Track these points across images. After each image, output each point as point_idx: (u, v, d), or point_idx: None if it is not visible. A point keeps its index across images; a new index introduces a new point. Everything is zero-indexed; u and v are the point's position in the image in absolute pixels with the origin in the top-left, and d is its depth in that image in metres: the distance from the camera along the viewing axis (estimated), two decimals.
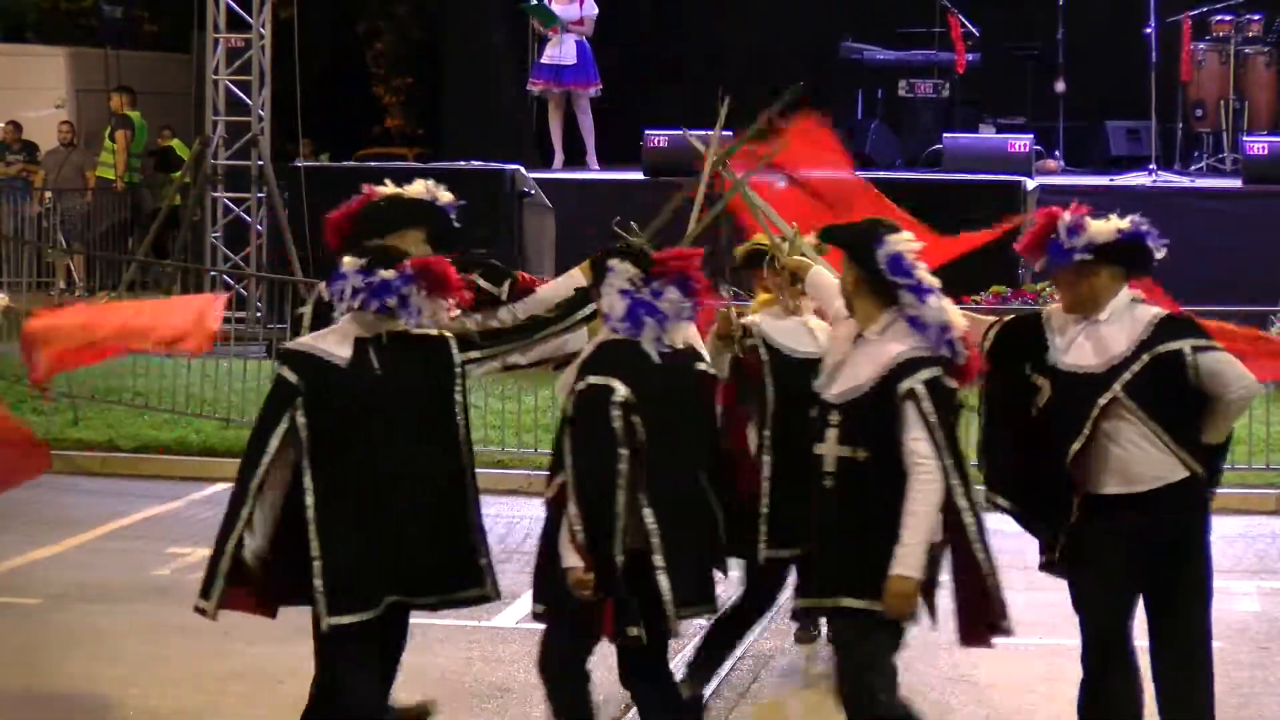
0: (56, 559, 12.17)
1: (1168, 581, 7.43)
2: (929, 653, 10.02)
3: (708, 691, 8.98)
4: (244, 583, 7.34)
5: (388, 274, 7.19)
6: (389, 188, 8.02)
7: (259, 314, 19.49)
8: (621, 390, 7.11)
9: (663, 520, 7.16)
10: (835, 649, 7.37)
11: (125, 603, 11.01)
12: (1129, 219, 7.57)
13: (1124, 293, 7.48)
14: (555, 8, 20.23)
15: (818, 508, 7.17)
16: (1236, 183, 19.19)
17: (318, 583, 7.15)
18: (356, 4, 29.39)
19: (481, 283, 7.77)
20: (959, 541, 7.07)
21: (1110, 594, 7.43)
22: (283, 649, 9.30)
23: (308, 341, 7.41)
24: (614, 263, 7.31)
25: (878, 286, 7.12)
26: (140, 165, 24.53)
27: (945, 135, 20.35)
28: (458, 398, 7.31)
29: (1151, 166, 19.67)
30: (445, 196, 8.06)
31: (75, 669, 9.68)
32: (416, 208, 7.97)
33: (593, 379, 7.18)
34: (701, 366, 7.45)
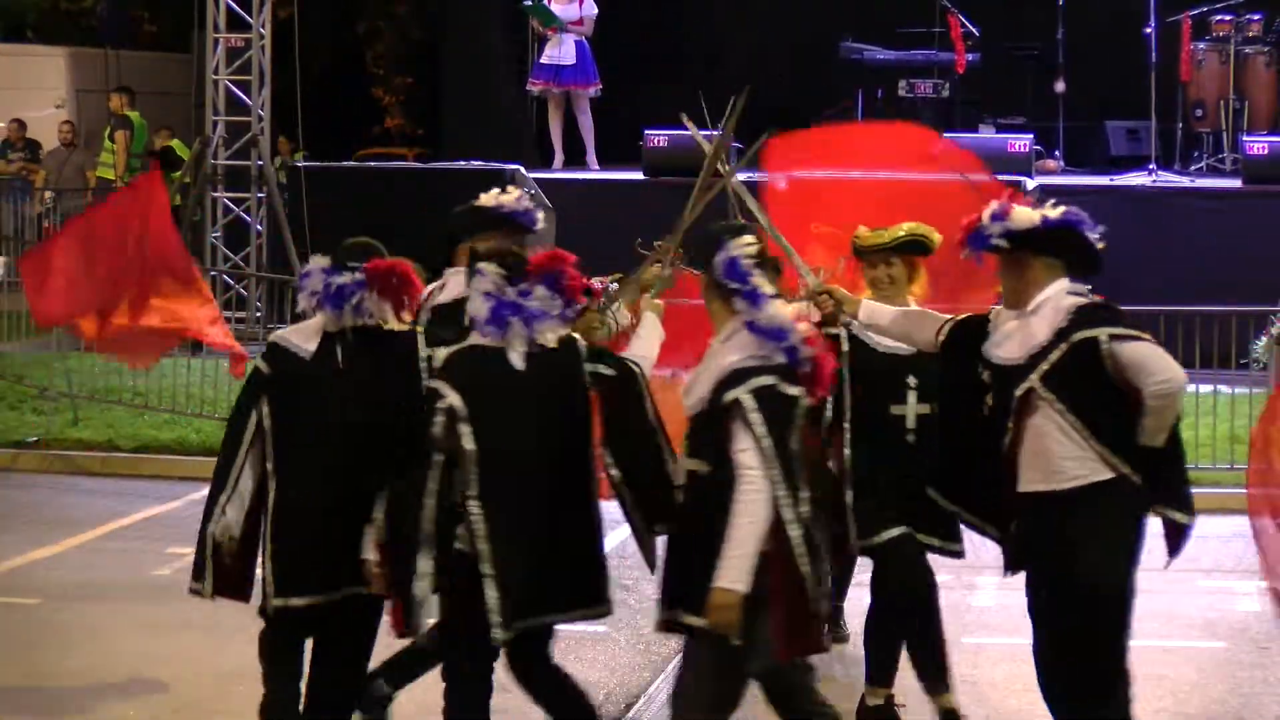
0: (56, 559, 12.16)
1: (1048, 591, 7.25)
2: None
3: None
4: (223, 566, 7.56)
5: (343, 278, 7.40)
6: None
7: (259, 314, 19.49)
8: (449, 398, 7.01)
9: (498, 527, 6.98)
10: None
11: (125, 602, 11.01)
12: (1061, 208, 7.36)
13: (1059, 284, 7.29)
14: (555, 8, 20.22)
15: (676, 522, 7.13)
16: (1236, 183, 19.18)
17: (267, 565, 7.38)
18: (356, 4, 29.39)
19: None
20: (781, 555, 6.84)
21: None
22: None
23: (282, 334, 7.66)
24: (482, 265, 7.21)
25: (719, 293, 7.04)
26: (140, 165, 24.53)
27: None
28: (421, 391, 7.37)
29: (1151, 166, 19.66)
30: (509, 198, 8.38)
31: (75, 669, 9.68)
32: (490, 214, 8.27)
33: (431, 382, 7.18)
34: (590, 368, 7.21)
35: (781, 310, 6.97)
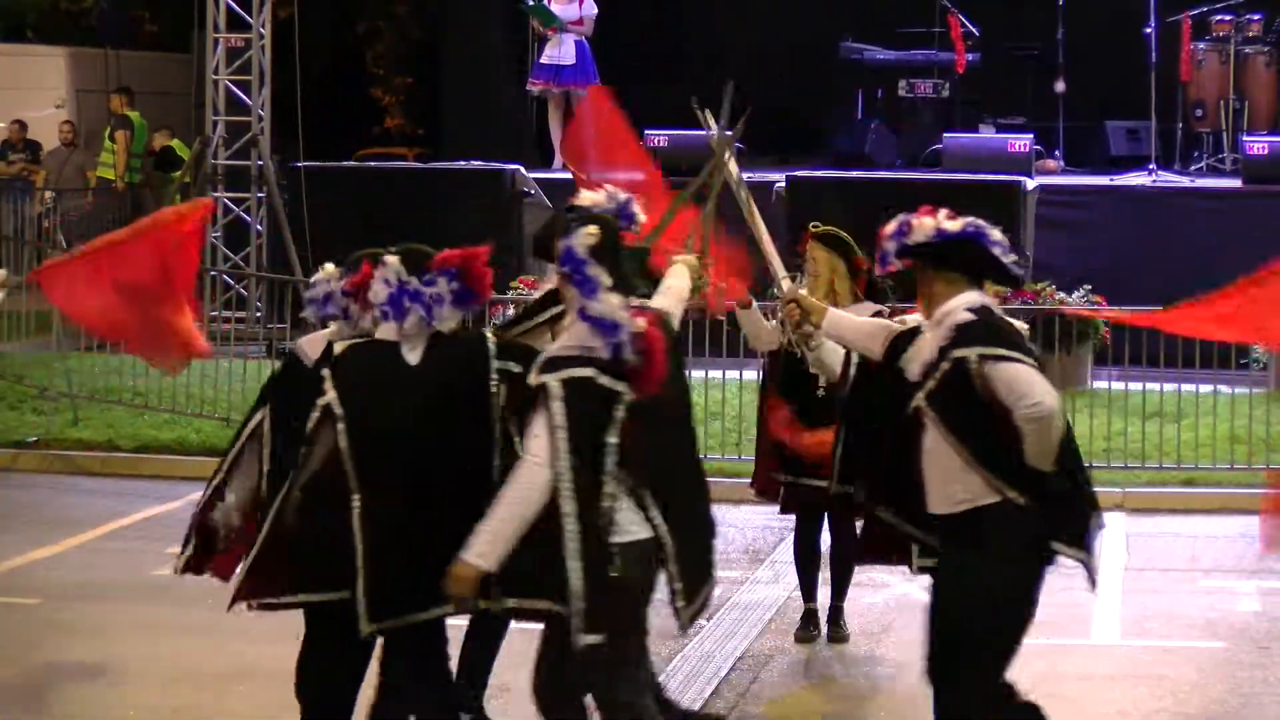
0: (56, 559, 12.17)
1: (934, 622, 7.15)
2: None
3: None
4: (212, 547, 7.69)
5: (331, 287, 7.49)
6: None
7: (259, 314, 19.49)
8: (328, 395, 7.08)
9: (373, 523, 7.00)
10: None
11: (125, 602, 11.02)
12: (961, 220, 7.17)
13: (961, 298, 7.11)
14: (554, 8, 20.22)
15: None
16: (1236, 183, 19.19)
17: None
18: (356, 4, 29.37)
19: None
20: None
21: None
22: (283, 649, 9.28)
23: (301, 340, 7.70)
24: (385, 256, 7.23)
25: (561, 280, 7.04)
26: (140, 165, 24.54)
27: (945, 135, 20.34)
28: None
29: (1151, 166, 19.67)
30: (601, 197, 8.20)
31: (75, 668, 9.69)
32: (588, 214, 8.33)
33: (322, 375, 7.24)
34: (499, 365, 7.15)
35: (615, 302, 6.89)
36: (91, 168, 24.77)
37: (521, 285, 16.67)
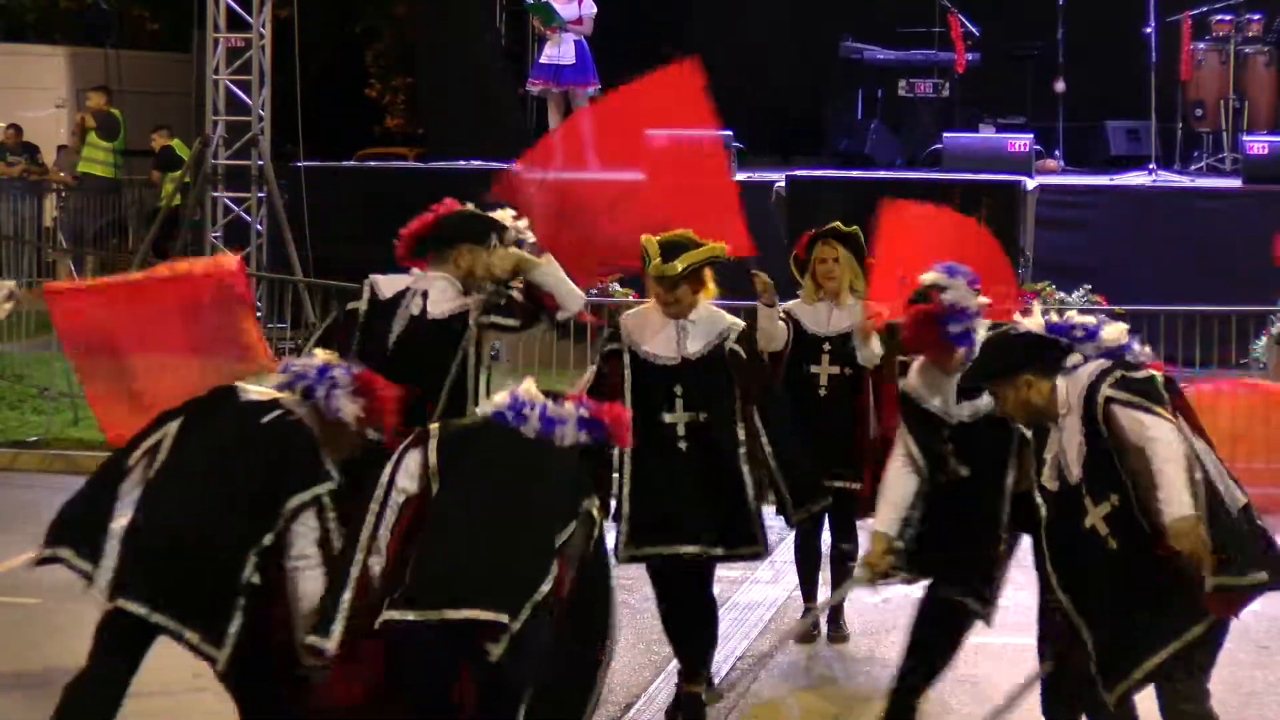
0: None
1: None
2: None
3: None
4: None
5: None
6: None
7: (259, 314, 19.49)
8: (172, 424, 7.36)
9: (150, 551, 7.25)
10: None
11: None
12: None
13: None
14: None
15: None
16: (1236, 183, 19.19)
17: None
18: (356, 4, 29.38)
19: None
20: None
21: None
22: None
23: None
24: None
25: None
26: (123, 163, 24.54)
27: (945, 135, 20.35)
28: None
29: (1151, 166, 19.67)
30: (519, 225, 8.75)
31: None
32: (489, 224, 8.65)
33: None
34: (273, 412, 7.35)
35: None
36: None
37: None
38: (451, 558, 6.75)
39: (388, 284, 8.73)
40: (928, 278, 8.14)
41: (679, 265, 8.56)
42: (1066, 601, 7.11)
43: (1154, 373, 7.03)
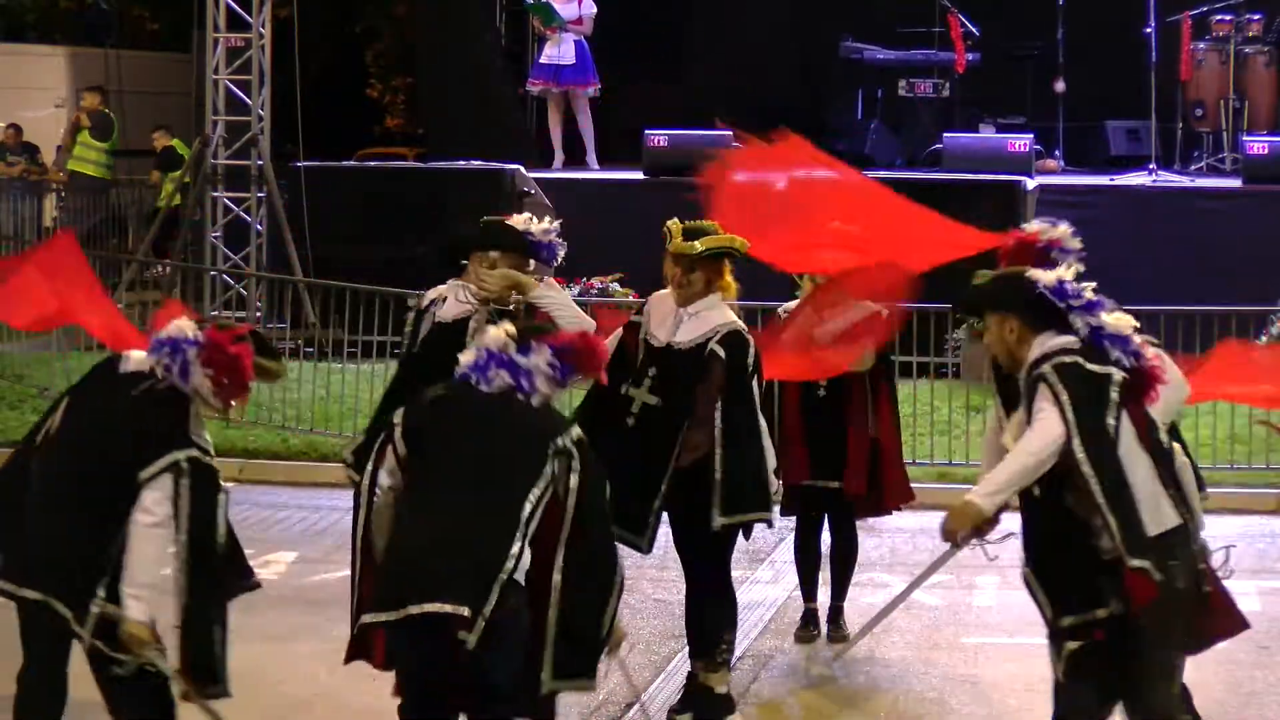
0: None
1: None
2: (929, 653, 10.03)
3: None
4: None
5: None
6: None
7: (259, 314, 19.49)
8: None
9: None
10: None
11: None
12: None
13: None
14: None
15: None
16: (1236, 183, 19.18)
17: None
18: (356, 3, 29.40)
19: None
20: None
21: None
22: (282, 648, 9.28)
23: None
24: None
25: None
26: (115, 163, 24.53)
27: (945, 135, 20.34)
28: None
29: (1151, 166, 19.66)
30: (539, 227, 8.74)
31: (74, 669, 9.66)
32: (516, 237, 8.68)
33: None
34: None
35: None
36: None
37: None
38: (413, 553, 6.82)
39: (433, 289, 8.89)
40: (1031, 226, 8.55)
41: (699, 245, 8.58)
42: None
43: (1113, 373, 7.00)
